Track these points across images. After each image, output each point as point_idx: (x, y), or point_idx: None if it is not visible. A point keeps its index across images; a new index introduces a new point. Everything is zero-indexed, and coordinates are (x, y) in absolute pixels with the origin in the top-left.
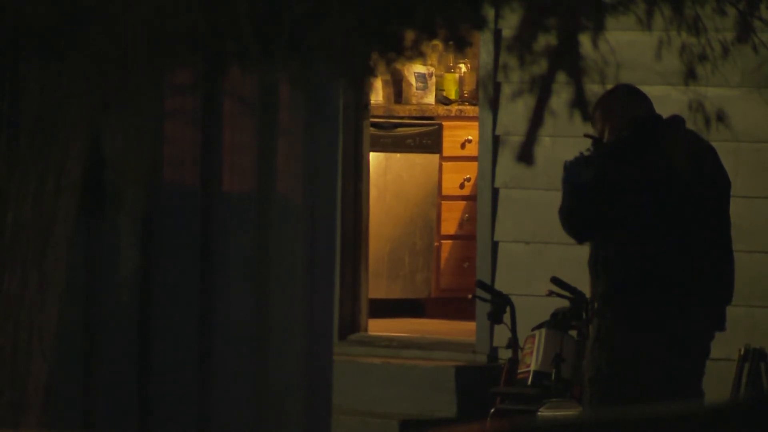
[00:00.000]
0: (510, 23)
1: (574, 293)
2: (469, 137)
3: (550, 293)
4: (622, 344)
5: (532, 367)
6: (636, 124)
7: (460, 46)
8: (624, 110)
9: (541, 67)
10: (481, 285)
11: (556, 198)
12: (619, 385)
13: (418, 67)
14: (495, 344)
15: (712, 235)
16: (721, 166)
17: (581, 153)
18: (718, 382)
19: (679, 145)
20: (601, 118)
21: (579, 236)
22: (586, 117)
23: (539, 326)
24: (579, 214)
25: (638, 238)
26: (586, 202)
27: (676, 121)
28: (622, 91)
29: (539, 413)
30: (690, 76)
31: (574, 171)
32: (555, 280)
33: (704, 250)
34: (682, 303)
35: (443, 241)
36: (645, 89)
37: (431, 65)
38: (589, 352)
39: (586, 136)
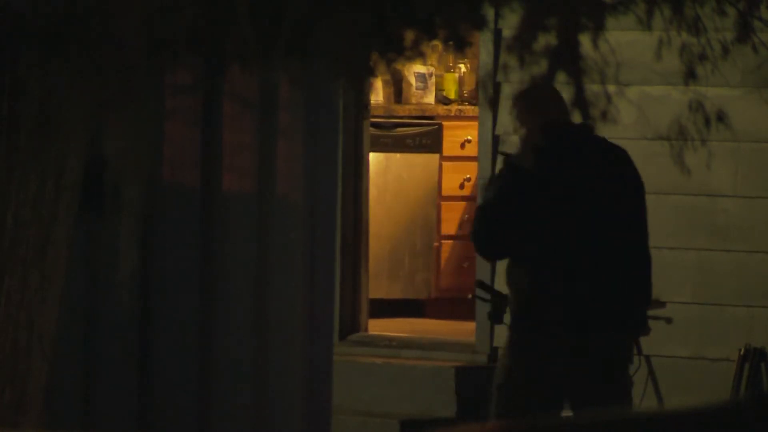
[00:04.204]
0: (510, 23)
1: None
2: (469, 137)
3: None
4: (531, 353)
5: None
6: (545, 131)
7: (460, 46)
8: (535, 116)
9: (541, 67)
10: (481, 285)
11: None
12: (526, 393)
13: (418, 67)
14: (495, 344)
15: (626, 240)
16: (633, 169)
17: (495, 173)
18: (718, 382)
19: (585, 152)
20: (517, 121)
21: (490, 256)
22: (586, 117)
23: None
24: (486, 234)
25: (548, 249)
26: (490, 221)
27: (584, 128)
28: (535, 93)
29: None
30: (690, 76)
31: (487, 191)
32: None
33: (617, 257)
34: (594, 312)
35: (443, 241)
36: (645, 89)
37: (431, 65)
38: (500, 360)
39: (501, 153)
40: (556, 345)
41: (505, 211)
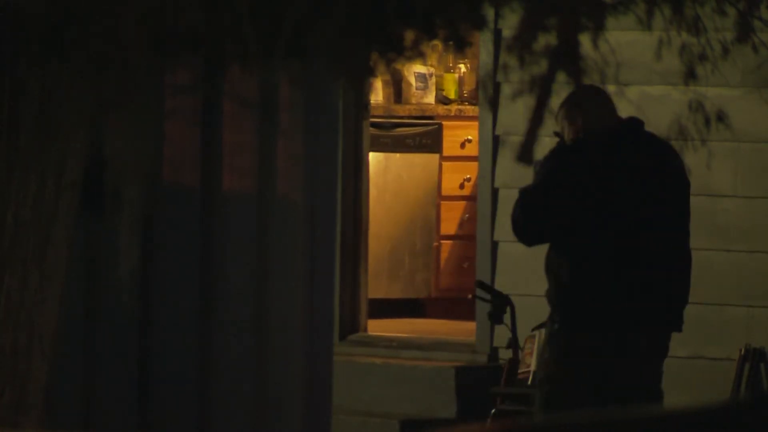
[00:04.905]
0: (510, 23)
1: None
2: (469, 137)
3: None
4: (571, 347)
5: (533, 367)
6: (595, 127)
7: (460, 46)
8: (586, 112)
9: (541, 67)
10: (481, 285)
11: None
12: (567, 387)
13: (418, 67)
14: (495, 344)
15: (671, 237)
16: (681, 166)
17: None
18: (718, 382)
19: (635, 147)
20: (562, 118)
21: (524, 241)
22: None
23: (539, 326)
24: (524, 219)
25: (593, 242)
26: (529, 205)
27: (634, 123)
28: (586, 92)
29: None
30: (690, 76)
31: (536, 173)
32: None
33: (658, 253)
34: (632, 306)
35: (443, 241)
36: (645, 89)
37: (431, 65)
38: (539, 355)
39: (555, 134)
40: (599, 339)
41: (546, 197)
